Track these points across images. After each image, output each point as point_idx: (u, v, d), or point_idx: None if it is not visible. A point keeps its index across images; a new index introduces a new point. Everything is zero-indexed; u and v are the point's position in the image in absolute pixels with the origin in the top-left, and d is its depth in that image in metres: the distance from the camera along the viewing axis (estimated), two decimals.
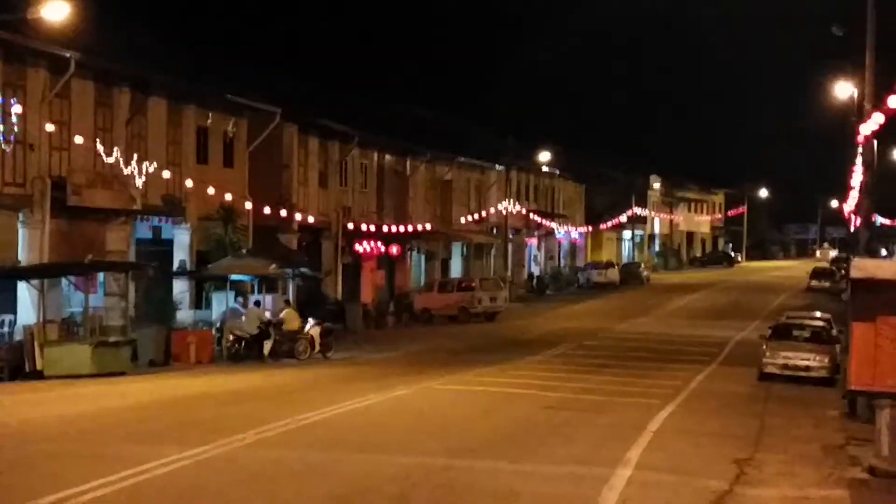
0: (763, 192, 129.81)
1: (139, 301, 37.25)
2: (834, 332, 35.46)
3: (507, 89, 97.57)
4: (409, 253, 58.99)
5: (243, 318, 36.24)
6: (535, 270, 77.28)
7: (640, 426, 21.10)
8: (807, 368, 32.04)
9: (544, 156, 72.00)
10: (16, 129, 32.16)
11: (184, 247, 41.37)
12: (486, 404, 24.12)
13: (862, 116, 24.06)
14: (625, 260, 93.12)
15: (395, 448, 17.57)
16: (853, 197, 42.64)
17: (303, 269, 42.31)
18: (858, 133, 23.20)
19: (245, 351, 35.24)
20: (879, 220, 70.18)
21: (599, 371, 32.66)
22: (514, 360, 35.54)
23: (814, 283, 76.52)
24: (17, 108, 31.88)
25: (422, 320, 53.53)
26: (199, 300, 41.46)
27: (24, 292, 32.98)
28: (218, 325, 37.72)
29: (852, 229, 70.98)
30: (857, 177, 33.84)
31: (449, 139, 64.36)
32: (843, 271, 79.40)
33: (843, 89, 62.39)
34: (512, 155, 71.74)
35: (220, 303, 39.38)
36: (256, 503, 13.54)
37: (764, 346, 33.29)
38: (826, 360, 32.14)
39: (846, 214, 54.07)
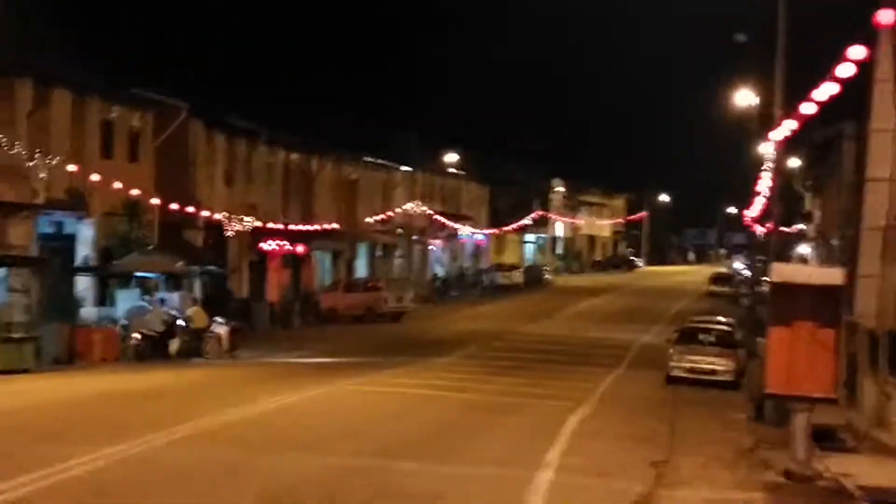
0: (664, 197, 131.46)
1: (41, 297, 36.46)
2: (738, 336, 36.12)
3: (413, 89, 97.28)
4: (314, 252, 58.59)
5: (148, 315, 35.69)
6: (440, 272, 77.32)
7: (555, 429, 21.22)
8: (712, 372, 32.58)
9: (451, 157, 72.07)
10: None
11: (87, 242, 40.56)
12: (403, 405, 24.08)
13: (771, 123, 24.42)
14: (527, 262, 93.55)
15: (317, 448, 17.45)
16: (757, 203, 43.33)
17: (209, 267, 41.83)
18: (767, 139, 23.51)
19: (151, 349, 34.69)
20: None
21: (510, 373, 32.79)
22: (424, 361, 35.54)
23: (714, 287, 77.75)
24: None
25: (328, 320, 53.20)
26: (103, 297, 40.73)
27: None
28: (123, 322, 37.09)
29: (757, 234, 72.27)
30: (763, 183, 34.42)
31: (356, 139, 64.03)
32: (741, 277, 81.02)
33: (744, 97, 63.70)
34: (418, 156, 71.73)
35: (126, 300, 38.74)
36: (189, 495, 13.30)
37: (671, 350, 33.75)
38: (731, 364, 32.72)
39: (748, 220, 54.94)
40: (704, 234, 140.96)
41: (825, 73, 21.80)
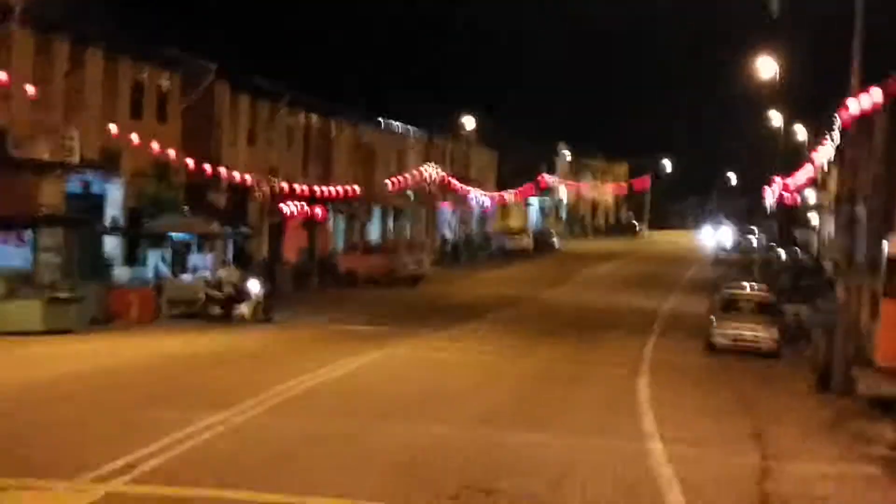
0: (666, 164, 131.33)
1: (72, 257, 36.15)
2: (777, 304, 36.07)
3: (421, 53, 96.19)
4: (332, 215, 58.33)
5: (202, 275, 35.72)
6: (449, 236, 77.09)
7: (630, 398, 21.28)
8: (755, 341, 32.43)
9: (468, 121, 71.59)
10: None
11: (116, 203, 40.18)
12: (468, 374, 23.95)
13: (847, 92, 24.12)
14: (532, 227, 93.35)
15: (413, 417, 17.31)
16: (806, 170, 43.12)
17: (242, 229, 41.57)
18: (846, 108, 23.23)
19: (220, 311, 34.63)
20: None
21: (551, 339, 32.80)
22: (460, 325, 35.47)
23: (722, 254, 77.81)
24: None
25: (346, 282, 52.92)
26: (132, 258, 40.44)
27: None
28: (154, 283, 36.93)
29: (766, 202, 72.25)
30: (824, 152, 34.29)
31: (374, 100, 63.71)
32: (749, 244, 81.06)
33: (765, 66, 63.56)
34: (433, 118, 71.39)
35: (156, 261, 38.57)
36: (327, 466, 13.16)
37: (713, 318, 33.60)
38: (774, 333, 32.58)
39: (785, 187, 54.84)
40: (705, 200, 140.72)
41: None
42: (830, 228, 66.59)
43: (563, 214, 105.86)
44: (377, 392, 20.10)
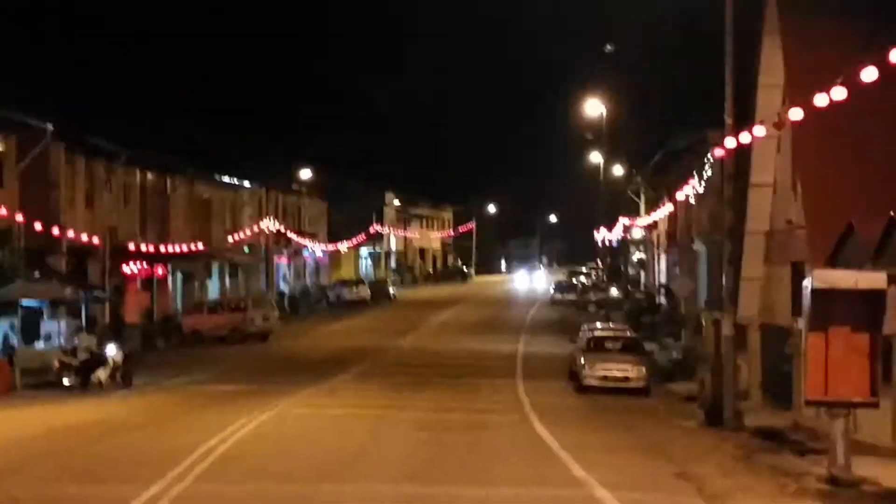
0: (490, 208, 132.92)
1: None
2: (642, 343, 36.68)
3: (254, 107, 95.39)
4: (171, 274, 57.06)
5: (55, 343, 34.42)
6: (285, 289, 76.28)
7: (539, 443, 21.25)
8: (625, 380, 32.86)
9: (304, 173, 71.07)
10: None
11: None
12: (364, 428, 23.59)
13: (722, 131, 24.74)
14: (364, 276, 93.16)
15: (340, 476, 17.02)
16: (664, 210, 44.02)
17: (96, 293, 40.28)
18: (721, 146, 23.83)
19: (74, 379, 33.34)
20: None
21: (425, 389, 32.54)
22: (329, 380, 34.89)
23: (558, 296, 78.77)
24: None
25: (191, 342, 51.74)
26: None
27: None
28: (4, 353, 35.40)
29: (597, 243, 73.69)
30: (686, 190, 35.09)
31: (210, 155, 62.76)
32: (582, 285, 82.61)
33: (593, 107, 65.10)
34: (262, 172, 70.76)
35: (5, 330, 37.01)
36: None
37: (581, 360, 33.84)
38: (643, 371, 33.06)
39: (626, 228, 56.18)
40: (527, 243, 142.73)
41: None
42: (661, 266, 68.56)
43: (393, 263, 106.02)
44: (294, 453, 19.65)
